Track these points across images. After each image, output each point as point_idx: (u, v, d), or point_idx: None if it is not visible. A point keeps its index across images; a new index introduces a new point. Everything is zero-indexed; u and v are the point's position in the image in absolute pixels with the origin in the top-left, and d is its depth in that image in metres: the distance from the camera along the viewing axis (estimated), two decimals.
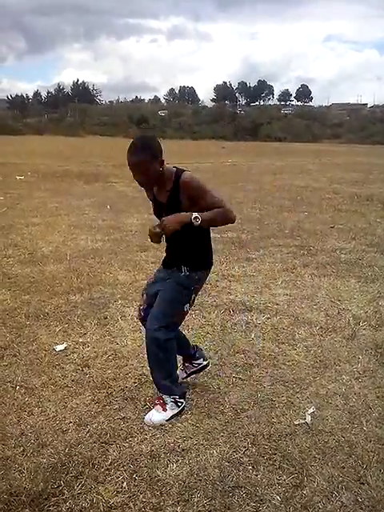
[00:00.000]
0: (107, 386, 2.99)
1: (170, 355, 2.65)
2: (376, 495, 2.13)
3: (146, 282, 2.97)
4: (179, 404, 2.70)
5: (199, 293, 2.80)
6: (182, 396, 2.74)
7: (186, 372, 3.06)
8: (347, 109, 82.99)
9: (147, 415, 2.65)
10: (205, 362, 3.08)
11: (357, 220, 8.60)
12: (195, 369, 3.06)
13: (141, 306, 2.83)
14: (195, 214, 2.44)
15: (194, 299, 2.72)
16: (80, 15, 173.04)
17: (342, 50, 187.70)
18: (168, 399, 2.67)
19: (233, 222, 2.60)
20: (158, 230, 2.50)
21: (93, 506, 2.05)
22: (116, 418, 2.67)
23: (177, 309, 2.62)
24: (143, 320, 2.78)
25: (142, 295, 2.82)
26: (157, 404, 2.69)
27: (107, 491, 2.13)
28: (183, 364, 3.06)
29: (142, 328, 3.79)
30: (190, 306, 2.70)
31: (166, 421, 2.63)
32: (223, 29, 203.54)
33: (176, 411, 2.68)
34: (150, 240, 2.61)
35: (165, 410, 2.65)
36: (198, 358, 3.05)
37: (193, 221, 2.44)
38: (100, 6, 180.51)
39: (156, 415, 2.63)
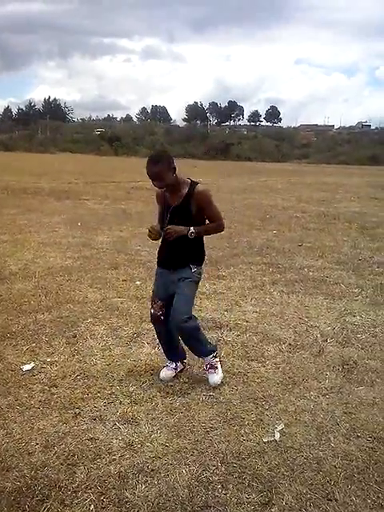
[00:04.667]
0: (75, 407, 2.94)
1: (199, 330, 3.26)
2: (344, 511, 2.16)
3: (153, 289, 3.36)
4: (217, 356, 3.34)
5: None
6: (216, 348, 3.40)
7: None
8: (315, 130, 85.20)
9: (211, 380, 3.21)
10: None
11: (324, 238, 8.79)
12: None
13: (156, 311, 3.25)
14: (191, 229, 3.02)
15: None
16: (55, 34, 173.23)
17: (312, 73, 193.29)
18: (213, 359, 3.27)
19: (222, 232, 3.34)
20: (161, 231, 3.06)
21: None
22: (84, 438, 2.63)
23: (193, 300, 3.25)
24: (157, 321, 3.28)
25: (155, 301, 3.25)
26: (209, 369, 3.27)
27: None
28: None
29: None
30: None
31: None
32: (197, 50, 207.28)
33: (219, 364, 3.32)
34: (148, 234, 3.12)
35: (216, 368, 3.27)
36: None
37: (189, 235, 3.03)
38: (75, 25, 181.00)
39: (216, 377, 3.24)
